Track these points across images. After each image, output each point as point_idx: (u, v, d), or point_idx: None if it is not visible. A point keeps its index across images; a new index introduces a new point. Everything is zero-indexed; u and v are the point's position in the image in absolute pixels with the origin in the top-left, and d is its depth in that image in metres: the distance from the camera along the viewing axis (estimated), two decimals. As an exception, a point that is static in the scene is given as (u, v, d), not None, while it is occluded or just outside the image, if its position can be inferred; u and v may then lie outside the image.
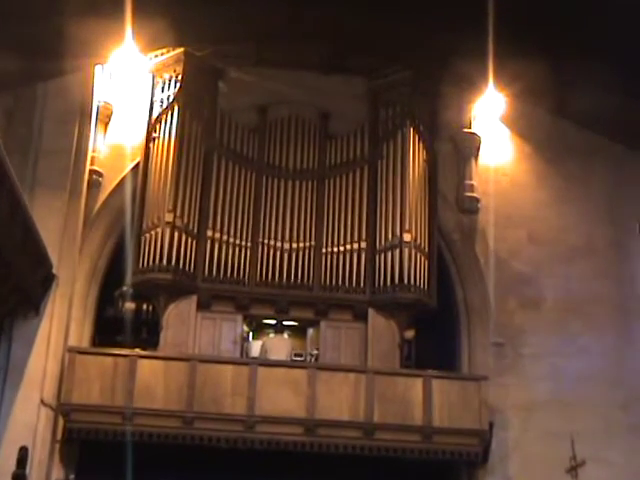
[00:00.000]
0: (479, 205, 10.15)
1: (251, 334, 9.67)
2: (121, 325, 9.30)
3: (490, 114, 10.37)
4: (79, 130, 9.21)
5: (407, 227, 9.49)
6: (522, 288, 9.84)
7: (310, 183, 9.85)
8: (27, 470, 7.10)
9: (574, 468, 8.24)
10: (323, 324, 9.52)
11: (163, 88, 9.89)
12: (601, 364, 9.50)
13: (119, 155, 9.77)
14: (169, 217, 9.21)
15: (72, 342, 8.97)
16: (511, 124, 10.39)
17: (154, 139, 9.75)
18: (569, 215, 10.13)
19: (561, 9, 8.25)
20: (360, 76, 10.14)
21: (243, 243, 9.48)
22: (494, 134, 10.42)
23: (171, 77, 9.88)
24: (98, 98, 9.66)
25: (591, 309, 9.73)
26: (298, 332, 9.71)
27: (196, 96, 9.82)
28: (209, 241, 9.38)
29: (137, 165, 9.74)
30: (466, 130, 10.33)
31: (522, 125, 10.32)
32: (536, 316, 9.75)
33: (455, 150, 10.27)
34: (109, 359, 8.66)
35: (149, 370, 8.63)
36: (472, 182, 10.18)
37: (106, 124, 9.85)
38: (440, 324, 9.96)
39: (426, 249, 9.62)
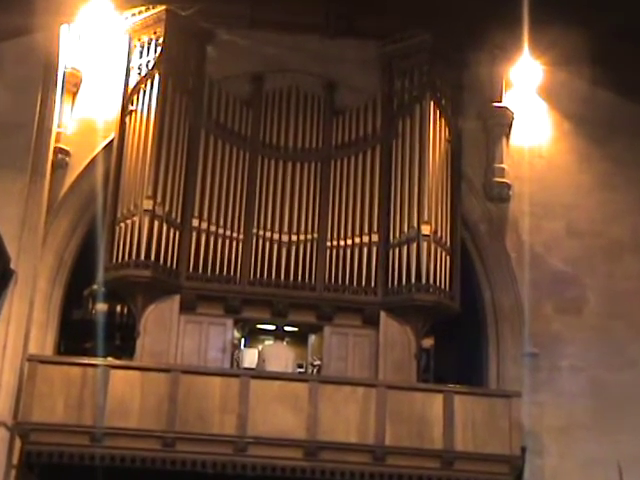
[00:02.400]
0: (510, 192, 10.09)
1: (243, 341, 9.63)
2: (91, 330, 9.28)
3: (524, 86, 10.32)
4: (42, 101, 9.12)
5: (426, 217, 9.40)
6: (560, 289, 9.80)
7: (313, 165, 9.79)
8: (-23, 501, 6.94)
9: (622, 501, 8.12)
10: (327, 330, 9.45)
11: (141, 53, 9.78)
12: (652, 379, 9.45)
13: (89, 131, 9.70)
14: (148, 204, 9.11)
15: (33, 350, 8.90)
16: (548, 97, 10.33)
17: (130, 112, 9.62)
18: (615, 204, 10.07)
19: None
20: (372, 40, 10.09)
21: (234, 235, 9.40)
22: (529, 109, 10.35)
23: (151, 40, 9.75)
24: (64, 63, 9.57)
25: (640, 314, 9.64)
26: (298, 339, 9.64)
27: (180, 62, 9.74)
28: (195, 232, 9.29)
29: (110, 143, 9.66)
30: (496, 104, 10.26)
31: (561, 98, 10.26)
32: (576, 322, 9.71)
33: (483, 128, 10.23)
34: (76, 370, 8.52)
35: (123, 382, 8.49)
36: (502, 165, 10.12)
37: (74, 94, 9.77)
38: (464, 331, 9.97)
39: (448, 243, 9.54)
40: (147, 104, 9.45)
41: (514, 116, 10.25)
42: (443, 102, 9.90)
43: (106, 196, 9.35)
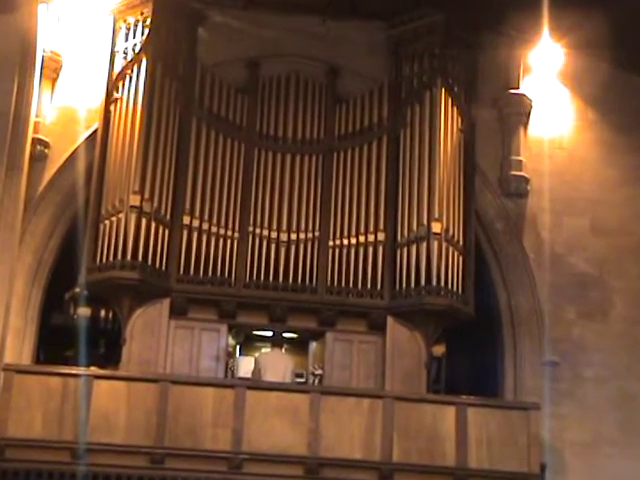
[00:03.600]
0: (528, 187, 10.04)
1: (238, 348, 9.62)
2: (72, 337, 9.23)
3: (544, 71, 10.28)
4: (18, 88, 9.04)
5: (436, 214, 9.33)
6: (583, 292, 9.75)
7: (314, 158, 9.74)
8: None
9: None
10: (329, 336, 9.42)
11: (127, 35, 9.70)
12: (686, 389, 9.45)
13: (70, 120, 9.65)
14: (135, 200, 9.02)
15: (9, 359, 8.83)
16: (570, 83, 10.28)
17: (115, 100, 9.54)
18: (644, 199, 10.04)
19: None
20: (378, 21, 10.02)
21: (229, 233, 9.35)
22: (548, 96, 10.30)
23: (137, 21, 9.65)
24: (43, 47, 9.48)
25: (672, 319, 9.70)
26: (298, 346, 9.62)
27: (169, 46, 9.66)
28: (186, 230, 9.24)
29: (93, 133, 9.61)
30: (513, 91, 10.19)
31: (584, 84, 10.22)
32: (601, 328, 9.66)
33: (499, 117, 10.20)
34: (56, 380, 8.40)
35: (108, 394, 8.40)
36: (520, 158, 10.07)
37: (54, 80, 9.70)
38: (478, 338, 9.91)
39: (461, 242, 9.47)
40: (133, 91, 9.38)
41: (533, 104, 10.22)
42: (455, 89, 9.85)
43: (89, 191, 9.30)
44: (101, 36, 9.71)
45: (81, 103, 9.66)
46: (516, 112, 10.07)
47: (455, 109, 9.74)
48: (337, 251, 9.39)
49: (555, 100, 10.26)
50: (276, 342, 9.34)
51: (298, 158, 9.65)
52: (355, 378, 9.25)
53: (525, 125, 10.11)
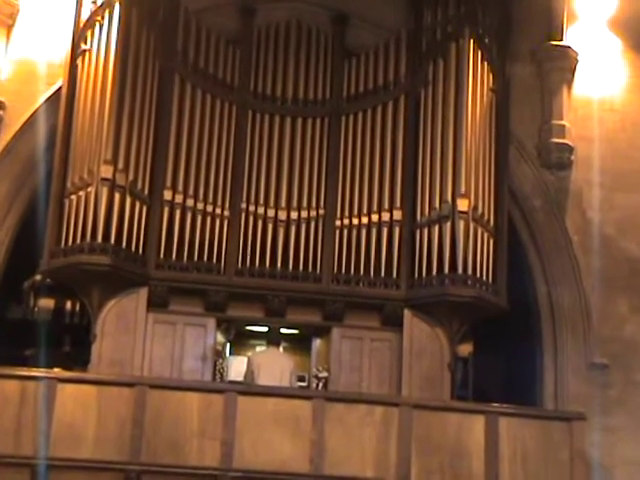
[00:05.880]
0: (573, 157, 10.00)
1: (228, 347, 9.59)
2: (32, 333, 9.25)
3: (592, 19, 10.23)
4: None
5: (463, 190, 9.23)
6: (638, 282, 9.72)
7: (318, 122, 9.68)
8: None
9: None
10: (336, 332, 9.38)
11: None
12: None
13: (29, 76, 9.59)
14: (106, 171, 8.90)
15: None
16: (623, 33, 10.19)
17: (83, 53, 9.40)
18: None
19: None
20: None
21: (218, 211, 9.30)
22: (597, 49, 10.24)
23: None
24: None
25: None
26: (298, 344, 9.64)
27: None
28: (167, 208, 9.18)
29: (57, 92, 9.51)
30: (555, 43, 10.11)
31: None
32: None
33: (538, 73, 10.17)
34: (13, 384, 8.22)
35: (74, 400, 8.21)
36: (563, 122, 10.04)
37: (9, 28, 9.63)
38: (511, 335, 9.99)
39: (491, 222, 9.40)
40: (105, 42, 9.23)
41: (578, 58, 10.19)
42: (486, 40, 9.74)
43: (52, 161, 9.22)
44: (66, -25, 9.71)
45: (42, 56, 9.62)
46: (559, 68, 10.07)
47: (486, 64, 9.67)
48: (345, 232, 9.36)
49: (605, 53, 10.25)
50: (273, 339, 9.25)
51: (300, 122, 9.59)
52: (366, 382, 9.23)
53: (569, 83, 10.13)
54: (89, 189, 8.81)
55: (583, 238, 9.72)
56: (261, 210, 9.25)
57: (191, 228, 9.07)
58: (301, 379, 9.22)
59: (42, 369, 8.44)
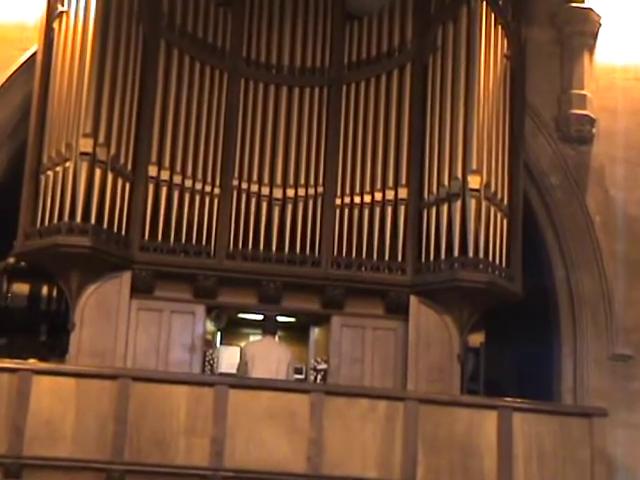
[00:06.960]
0: (594, 130, 9.99)
1: (219, 336, 9.65)
2: (5, 321, 9.33)
3: None
4: None
5: (474, 166, 9.18)
6: None
7: (317, 91, 9.64)
8: None
9: None
10: (336, 321, 9.38)
11: None
12: None
13: (1, 41, 9.55)
14: (86, 145, 8.87)
15: None
16: None
17: (60, 15, 9.36)
18: None
19: None
20: None
21: (208, 189, 9.27)
22: (622, 11, 10.19)
23: None
24: None
25: None
26: (295, 333, 9.68)
27: None
28: (152, 185, 9.16)
29: (32, 58, 9.48)
30: (576, 5, 10.07)
31: None
32: None
33: (557, 39, 10.14)
34: None
35: (51, 394, 8.12)
36: (584, 92, 10.01)
37: None
38: (527, 324, 9.91)
39: (505, 201, 9.38)
40: (84, 3, 9.15)
41: (601, 22, 10.14)
42: (500, 2, 9.71)
43: (26, 133, 9.18)
44: None
45: (14, 18, 9.63)
46: (579, 32, 10.03)
47: (500, 28, 9.62)
48: (346, 212, 9.34)
49: (630, 17, 10.21)
50: (268, 328, 9.19)
51: (297, 92, 9.55)
52: (368, 374, 9.26)
53: (591, 49, 10.08)
54: (67, 164, 8.79)
55: (605, 218, 9.72)
56: (255, 188, 9.22)
57: (178, 207, 9.04)
58: (298, 371, 9.24)
59: (16, 360, 8.42)
